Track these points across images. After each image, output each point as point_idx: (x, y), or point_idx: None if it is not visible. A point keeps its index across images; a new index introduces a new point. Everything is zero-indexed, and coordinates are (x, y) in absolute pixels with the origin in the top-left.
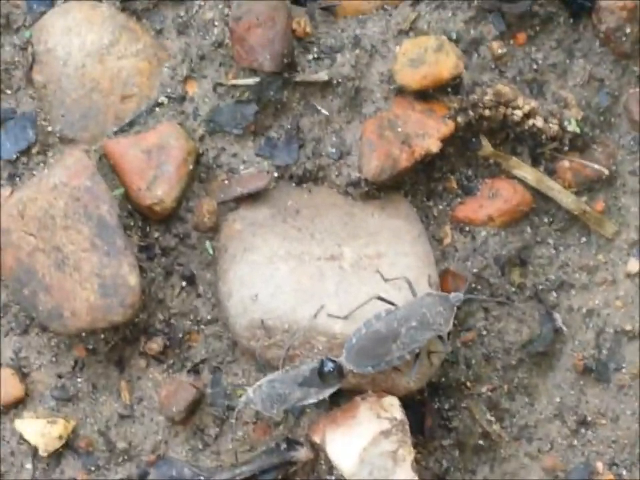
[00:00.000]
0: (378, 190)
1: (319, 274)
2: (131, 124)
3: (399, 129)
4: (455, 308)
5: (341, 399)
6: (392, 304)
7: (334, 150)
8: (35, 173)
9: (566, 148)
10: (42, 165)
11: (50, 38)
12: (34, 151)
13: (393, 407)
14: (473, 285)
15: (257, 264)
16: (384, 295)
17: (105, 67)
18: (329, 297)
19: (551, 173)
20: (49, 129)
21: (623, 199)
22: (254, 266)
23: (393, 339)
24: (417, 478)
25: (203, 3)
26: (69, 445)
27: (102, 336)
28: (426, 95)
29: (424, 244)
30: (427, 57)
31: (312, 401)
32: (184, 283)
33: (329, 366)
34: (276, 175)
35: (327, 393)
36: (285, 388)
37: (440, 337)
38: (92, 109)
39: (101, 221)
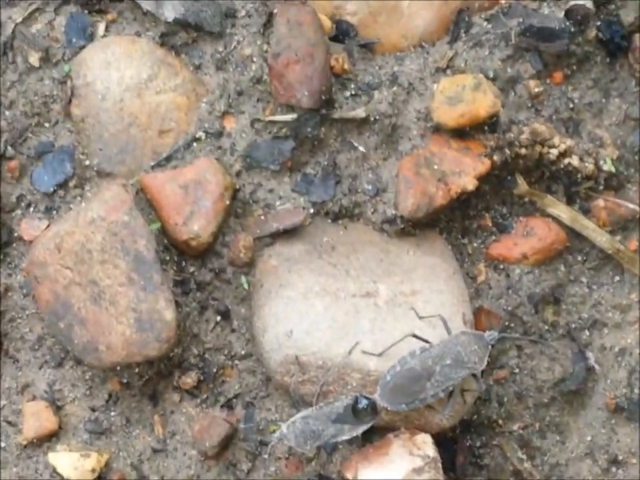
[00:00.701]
0: (413, 227)
1: (354, 311)
2: (169, 159)
3: (435, 167)
4: (490, 347)
5: (374, 435)
6: (426, 342)
7: (370, 187)
8: (71, 206)
9: (601, 187)
10: (79, 198)
11: (89, 72)
12: (71, 184)
13: (425, 444)
14: (507, 323)
15: (292, 300)
16: (418, 333)
17: (143, 101)
18: (364, 334)
19: (586, 211)
20: (87, 162)
21: None
22: (289, 302)
23: (428, 377)
24: None
25: (241, 39)
26: (101, 479)
27: (136, 370)
28: (462, 133)
29: (459, 281)
30: (465, 95)
31: (345, 437)
32: (219, 318)
33: (363, 403)
34: (312, 211)
35: (360, 429)
36: (318, 424)
37: (474, 375)
38: (130, 144)
39: (138, 255)
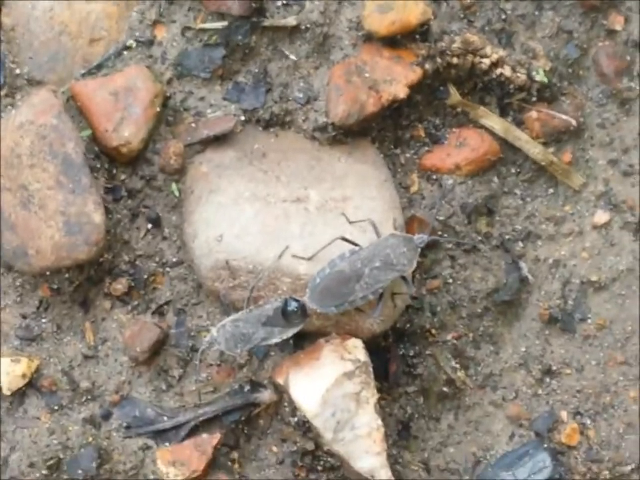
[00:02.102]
0: (345, 135)
1: (284, 216)
2: (99, 67)
3: (367, 75)
4: (419, 249)
5: (305, 341)
6: (355, 245)
7: (301, 95)
8: (3, 115)
9: (534, 98)
10: (10, 107)
11: None
12: (2, 93)
13: (356, 349)
14: (440, 233)
15: (222, 205)
16: (349, 237)
17: (73, 10)
18: (294, 238)
19: (519, 123)
20: (17, 71)
21: (590, 151)
22: (219, 207)
23: (357, 279)
24: (380, 420)
25: None
26: (32, 384)
27: (66, 275)
28: (394, 42)
29: (390, 189)
30: (395, 3)
31: (275, 340)
32: (149, 225)
33: (293, 305)
34: (243, 118)
35: (290, 332)
36: (248, 327)
37: (404, 278)
38: (60, 52)
39: (67, 158)
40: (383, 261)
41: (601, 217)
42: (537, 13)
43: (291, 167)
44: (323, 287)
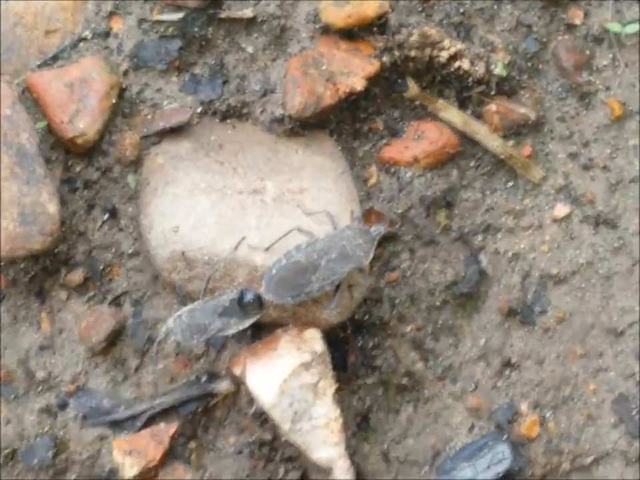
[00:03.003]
0: (302, 127)
1: (241, 207)
2: (55, 58)
3: (324, 67)
4: (376, 241)
5: (262, 332)
6: (312, 236)
7: (258, 87)
8: None
9: (493, 92)
10: None
11: None
12: None
13: (313, 339)
14: (398, 226)
15: (178, 197)
16: (305, 229)
17: (28, 2)
18: (250, 229)
19: (478, 116)
20: None
21: (550, 145)
22: (175, 199)
23: (313, 271)
24: (338, 410)
25: None
26: None
27: (22, 266)
28: (351, 35)
29: (347, 181)
30: None
31: (232, 331)
32: (106, 216)
33: (249, 296)
34: (199, 110)
35: (246, 323)
36: (205, 318)
37: (360, 270)
38: (15, 43)
39: (21, 149)
40: (339, 252)
41: (561, 210)
42: (495, 6)
43: (248, 159)
44: (278, 277)
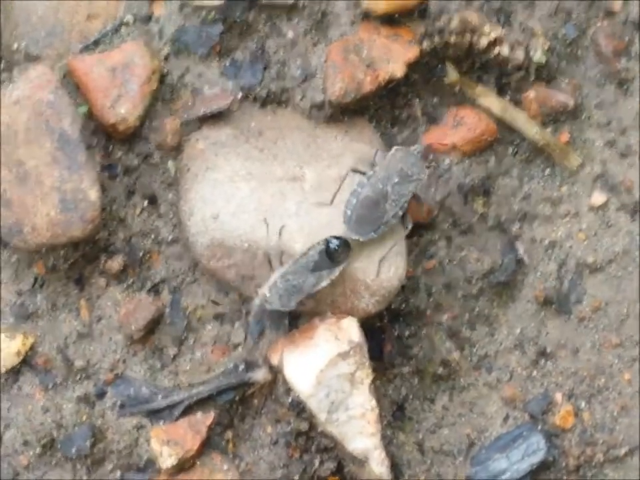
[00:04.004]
0: (342, 113)
1: (280, 194)
2: (96, 42)
3: (364, 53)
4: (421, 157)
5: (300, 320)
6: (364, 173)
7: (299, 73)
8: (1, 88)
9: (532, 78)
10: (7, 82)
11: None
12: (1, 67)
13: (351, 328)
14: (436, 213)
15: (218, 183)
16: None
17: None
18: (290, 216)
19: (517, 103)
20: (15, 46)
21: (588, 132)
22: (215, 185)
23: (384, 200)
24: (374, 400)
25: None
26: (27, 362)
27: (62, 253)
28: (392, 20)
29: None
30: None
31: (325, 283)
32: (145, 203)
33: (335, 243)
34: (240, 95)
35: (337, 271)
36: (298, 278)
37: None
38: (57, 27)
39: (63, 135)
40: (399, 175)
41: (598, 198)
42: None
43: (287, 145)
44: (356, 216)
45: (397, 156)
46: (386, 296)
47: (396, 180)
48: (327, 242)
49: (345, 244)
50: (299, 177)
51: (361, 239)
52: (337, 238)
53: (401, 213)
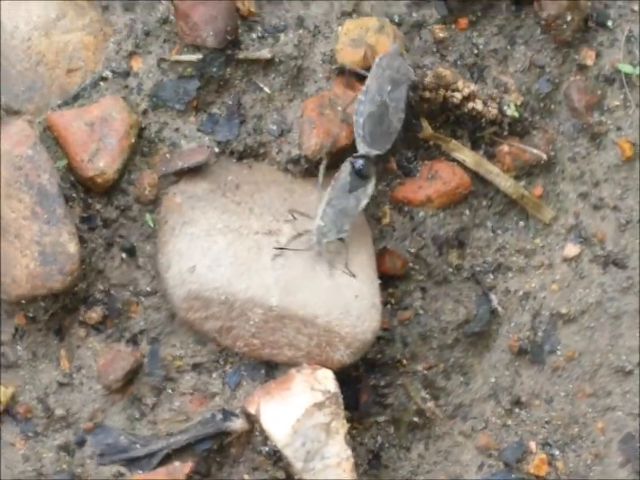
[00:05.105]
0: (317, 167)
1: (257, 247)
2: (76, 97)
3: (339, 108)
4: (401, 54)
5: (277, 371)
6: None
7: (275, 127)
8: None
9: (505, 132)
10: None
11: None
12: None
13: (327, 379)
14: (411, 265)
15: (195, 236)
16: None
17: (51, 40)
18: (266, 270)
19: (491, 156)
20: None
21: (561, 185)
22: (192, 238)
23: (386, 110)
24: (350, 450)
25: None
26: (7, 411)
27: (42, 304)
28: (366, 75)
29: (361, 220)
30: (368, 38)
31: (366, 200)
32: (124, 255)
33: (359, 163)
34: (217, 150)
35: (370, 187)
36: (342, 201)
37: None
38: (37, 82)
39: (42, 189)
40: (391, 81)
41: (571, 249)
42: (509, 47)
43: (264, 199)
44: (369, 133)
45: (382, 64)
46: (361, 348)
47: (389, 88)
48: (352, 164)
49: (368, 161)
50: (275, 231)
51: (381, 152)
52: (359, 157)
53: (403, 115)
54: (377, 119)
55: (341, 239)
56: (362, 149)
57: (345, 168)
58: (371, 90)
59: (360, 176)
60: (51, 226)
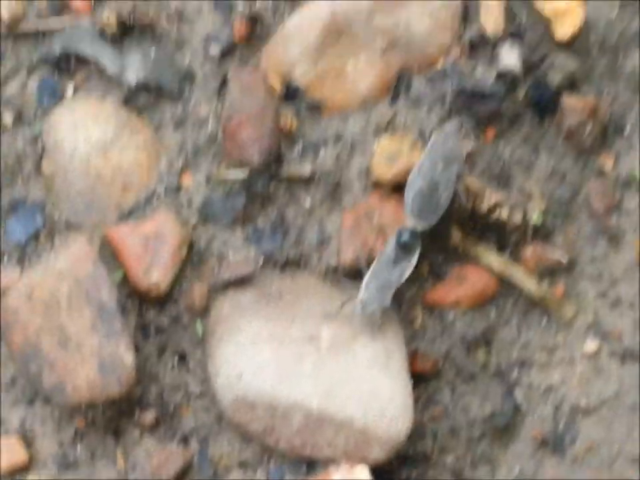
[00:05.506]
0: (355, 276)
1: (299, 354)
2: (131, 212)
3: (375, 220)
4: (458, 134)
5: (317, 468)
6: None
7: (315, 238)
8: (43, 256)
9: (529, 236)
10: (49, 249)
11: (58, 132)
12: (42, 236)
13: (363, 475)
14: (441, 364)
15: (241, 345)
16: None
17: (107, 159)
18: (306, 376)
19: (516, 259)
20: (56, 216)
21: (581, 284)
22: (239, 347)
23: (436, 187)
24: None
25: (198, 100)
26: None
27: (100, 409)
28: (401, 188)
29: (394, 325)
30: (402, 154)
31: (409, 272)
32: (176, 360)
33: (405, 236)
34: (262, 261)
35: (414, 259)
36: (385, 274)
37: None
38: (95, 199)
39: (101, 305)
40: (443, 160)
41: (590, 345)
42: (533, 156)
43: (305, 307)
44: (417, 208)
45: (437, 142)
46: (394, 446)
47: (441, 166)
48: (399, 235)
49: (413, 234)
50: (316, 337)
51: (428, 226)
52: (405, 230)
53: (452, 190)
54: (426, 195)
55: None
56: (409, 222)
57: (391, 241)
58: (423, 167)
59: (404, 249)
60: (110, 339)
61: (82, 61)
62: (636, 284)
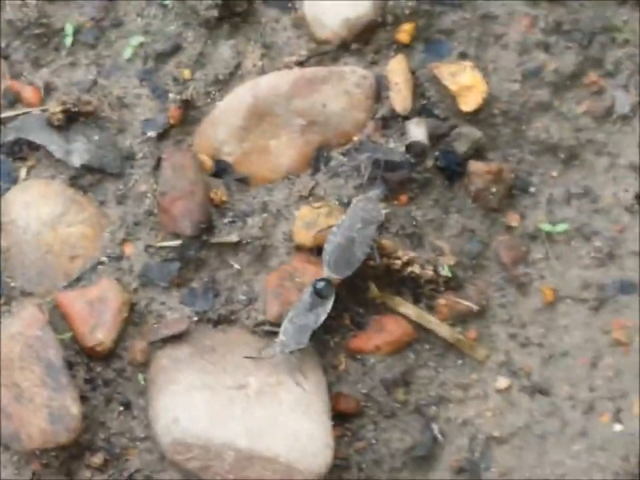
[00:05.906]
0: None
1: (229, 400)
2: (78, 279)
3: (297, 279)
4: (379, 200)
5: None
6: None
7: (244, 297)
8: (2, 320)
9: (442, 288)
10: (7, 313)
11: (12, 211)
12: (1, 302)
13: None
14: (363, 403)
15: (177, 393)
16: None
17: (57, 233)
18: (236, 419)
19: (430, 308)
20: (12, 284)
21: (493, 327)
22: (175, 395)
23: (352, 244)
24: None
25: (138, 178)
26: None
27: (53, 454)
28: (320, 251)
29: (317, 371)
30: (319, 221)
31: (323, 317)
32: (121, 408)
33: (320, 285)
34: (196, 319)
35: (328, 306)
36: (302, 318)
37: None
38: (46, 268)
39: (49, 363)
40: (362, 221)
41: (502, 382)
42: (444, 216)
43: (235, 358)
44: (334, 261)
45: (358, 205)
46: (316, 479)
47: (359, 226)
48: (314, 284)
49: (327, 283)
50: (245, 385)
51: (341, 277)
52: (321, 280)
53: (369, 250)
54: (343, 250)
55: (300, 349)
56: (325, 272)
57: (308, 289)
58: (343, 225)
59: (320, 296)
60: (57, 392)
61: (33, 146)
62: (542, 325)
